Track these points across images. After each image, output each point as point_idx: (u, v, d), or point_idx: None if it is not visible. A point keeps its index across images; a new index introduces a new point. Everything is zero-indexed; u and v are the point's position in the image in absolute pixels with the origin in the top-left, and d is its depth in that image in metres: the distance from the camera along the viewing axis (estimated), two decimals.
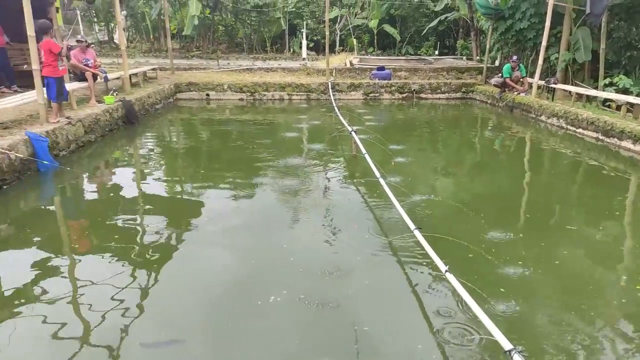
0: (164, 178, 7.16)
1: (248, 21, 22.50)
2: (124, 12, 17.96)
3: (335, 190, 6.53)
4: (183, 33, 21.04)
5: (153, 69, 14.25)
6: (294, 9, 22.19)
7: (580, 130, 9.93)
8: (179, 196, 6.43)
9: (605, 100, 10.69)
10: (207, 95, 14.10)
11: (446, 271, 3.43)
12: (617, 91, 10.38)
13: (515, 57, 12.74)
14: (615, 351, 3.20)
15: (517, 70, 12.73)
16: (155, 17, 21.80)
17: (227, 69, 16.49)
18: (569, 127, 10.32)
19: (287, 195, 6.15)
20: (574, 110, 10.34)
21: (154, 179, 7.06)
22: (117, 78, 11.43)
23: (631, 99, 9.52)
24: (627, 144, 8.57)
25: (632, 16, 11.29)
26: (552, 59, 12.68)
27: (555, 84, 11.99)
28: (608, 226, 5.37)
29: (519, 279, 4.08)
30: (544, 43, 11.71)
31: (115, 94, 10.09)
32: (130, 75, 11.67)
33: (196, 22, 19.73)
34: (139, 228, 5.24)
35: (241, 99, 14.16)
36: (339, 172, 7.44)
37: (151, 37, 23.58)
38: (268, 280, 4.10)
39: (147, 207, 5.96)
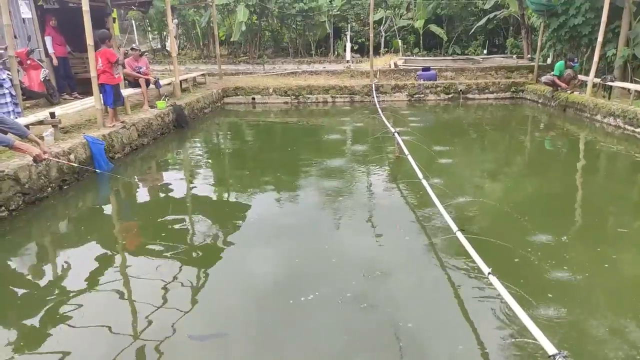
0: (212, 180, 7.41)
1: (293, 26, 22.81)
2: (176, 21, 18.76)
3: (378, 191, 6.52)
4: (231, 39, 21.63)
5: (202, 75, 14.75)
6: (338, 12, 22.27)
7: (639, 130, 9.37)
8: (226, 197, 6.64)
9: None
10: (253, 99, 14.41)
11: (489, 274, 3.36)
12: None
13: (575, 59, 12.16)
14: None
15: (571, 68, 12.16)
16: (204, 25, 22.54)
17: (272, 73, 16.79)
18: (626, 126, 9.76)
19: (331, 197, 6.20)
20: (632, 109, 9.76)
21: (202, 181, 7.32)
22: (169, 84, 11.92)
23: None
24: None
25: None
26: (609, 55, 12.04)
27: (613, 81, 11.36)
28: None
29: (566, 284, 3.92)
30: (600, 39, 11.13)
31: (166, 99, 10.53)
32: (180, 81, 12.14)
33: (244, 28, 20.24)
34: (187, 228, 5.45)
35: (286, 102, 14.38)
36: (381, 173, 7.41)
37: (201, 44, 24.39)
38: (310, 280, 4.16)
39: (195, 208, 6.19)
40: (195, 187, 7.04)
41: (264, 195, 6.52)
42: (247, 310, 3.75)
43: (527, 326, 2.74)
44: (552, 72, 12.48)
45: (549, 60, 15.35)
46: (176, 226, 5.44)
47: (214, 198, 6.51)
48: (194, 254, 4.74)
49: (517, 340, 3.16)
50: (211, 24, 20.11)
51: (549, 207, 5.94)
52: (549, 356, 2.43)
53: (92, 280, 4.21)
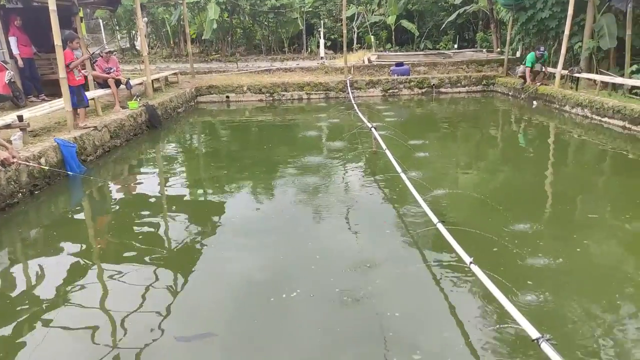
0: (188, 180, 7.30)
1: (266, 23, 22.65)
2: (145, 19, 18.36)
3: (357, 186, 6.54)
4: (202, 37, 21.33)
5: (174, 74, 14.50)
6: (310, 9, 22.24)
7: (606, 119, 9.69)
8: (203, 197, 6.55)
9: (633, 87, 10.39)
10: (227, 97, 14.27)
11: (471, 263, 3.42)
12: None
13: (542, 48, 12.43)
14: None
15: (542, 59, 12.44)
16: (175, 23, 22.15)
17: (246, 71, 16.66)
18: (594, 116, 10.08)
19: (310, 193, 6.19)
20: (599, 99, 10.09)
21: (177, 181, 7.21)
22: (140, 84, 11.68)
23: None
24: None
25: None
26: (575, 47, 12.39)
27: (579, 73, 11.71)
28: (635, 215, 5.23)
29: (545, 270, 4.02)
30: (566, 32, 11.46)
31: (138, 99, 10.31)
32: (152, 81, 11.91)
33: (215, 26, 19.98)
34: (164, 230, 5.36)
35: (261, 100, 14.29)
36: (360, 168, 7.45)
37: (171, 42, 23.96)
38: (294, 277, 4.15)
39: (172, 209, 6.09)
40: (171, 188, 6.92)
41: (242, 193, 6.46)
42: (233, 309, 3.72)
43: (510, 312, 2.81)
44: (525, 64, 12.72)
45: (518, 54, 15.69)
46: (153, 228, 5.34)
47: (191, 198, 6.42)
48: (173, 256, 4.66)
49: (500, 326, 3.23)
50: (182, 22, 19.78)
51: (524, 196, 6.09)
52: (532, 340, 2.49)
53: (68, 288, 4.09)
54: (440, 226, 4.15)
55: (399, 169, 5.90)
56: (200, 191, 6.78)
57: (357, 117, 10.04)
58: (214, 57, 21.56)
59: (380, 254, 4.54)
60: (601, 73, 11.52)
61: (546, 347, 2.37)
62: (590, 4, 11.58)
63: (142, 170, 8.04)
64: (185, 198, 6.42)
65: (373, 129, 7.81)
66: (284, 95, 14.38)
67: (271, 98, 14.34)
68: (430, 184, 6.21)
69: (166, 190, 6.88)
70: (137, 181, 7.37)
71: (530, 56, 12.47)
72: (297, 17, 21.53)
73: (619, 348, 3.05)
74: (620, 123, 9.24)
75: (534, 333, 2.51)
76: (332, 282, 3.99)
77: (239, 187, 6.72)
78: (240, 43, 24.03)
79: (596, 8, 11.59)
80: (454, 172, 7.22)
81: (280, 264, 4.40)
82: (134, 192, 6.80)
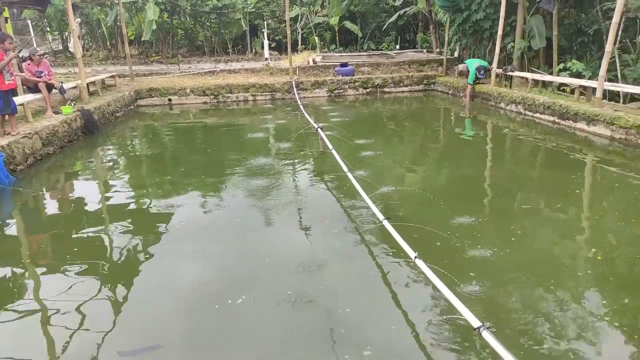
0: (130, 187, 7.01)
1: (208, 23, 22.23)
2: (78, 20, 17.48)
3: (305, 187, 6.55)
4: (142, 39, 20.60)
5: (111, 77, 13.89)
6: (254, 10, 22.05)
7: (537, 114, 10.28)
8: (147, 205, 6.30)
9: (560, 84, 11.09)
10: (170, 100, 13.86)
11: (415, 257, 3.50)
12: (571, 75, 10.78)
13: (482, 72, 12.63)
14: (581, 320, 3.33)
15: (483, 76, 12.80)
16: (111, 24, 21.25)
17: (188, 73, 16.25)
18: (527, 112, 10.66)
19: (258, 196, 6.13)
20: (530, 96, 10.68)
21: (119, 189, 6.89)
22: (74, 87, 11.10)
23: (583, 82, 9.93)
24: (581, 125, 8.93)
25: (580, 3, 11.75)
26: (508, 47, 13.05)
27: (513, 71, 12.35)
28: (568, 203, 5.58)
29: (485, 261, 4.20)
30: (499, 32, 12.05)
31: (72, 104, 9.80)
32: (87, 84, 11.35)
33: (154, 26, 19.36)
34: (105, 241, 5.11)
35: (205, 102, 13.99)
36: (307, 169, 7.46)
37: (108, 44, 22.98)
38: (243, 282, 4.08)
39: (114, 219, 5.81)
40: (111, 196, 6.62)
41: (188, 199, 6.29)
42: (179, 319, 3.60)
43: (453, 303, 2.90)
44: (467, 67, 13.05)
45: (456, 54, 16.31)
46: (93, 240, 5.08)
47: (134, 207, 6.16)
48: (116, 268, 4.45)
49: (445, 317, 3.33)
50: (118, 23, 19.02)
51: (464, 191, 6.34)
52: (474, 329, 2.59)
53: (4, 304, 3.81)
54: (386, 223, 4.23)
55: (345, 169, 5.96)
56: (143, 198, 6.52)
57: (304, 118, 10.06)
58: (155, 59, 20.90)
59: (329, 253, 4.56)
60: (532, 71, 12.21)
61: (487, 335, 2.47)
62: (520, 6, 12.23)
63: (79, 178, 7.63)
64: (127, 206, 6.16)
65: (319, 130, 7.85)
66: (228, 97, 14.16)
67: (216, 100, 14.08)
68: (376, 182, 6.32)
69: (106, 198, 6.57)
70: (74, 191, 6.99)
71: (471, 69, 12.74)
72: (240, 18, 21.28)
73: (555, 332, 3.23)
74: (550, 118, 9.82)
75: (475, 322, 2.61)
76: (281, 284, 3.96)
77: (184, 193, 6.53)
78: (182, 44, 23.45)
79: (526, 10, 12.27)
80: (399, 170, 7.39)
81: (229, 270, 4.31)
82: (71, 202, 6.44)
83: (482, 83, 12.97)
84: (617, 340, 3.14)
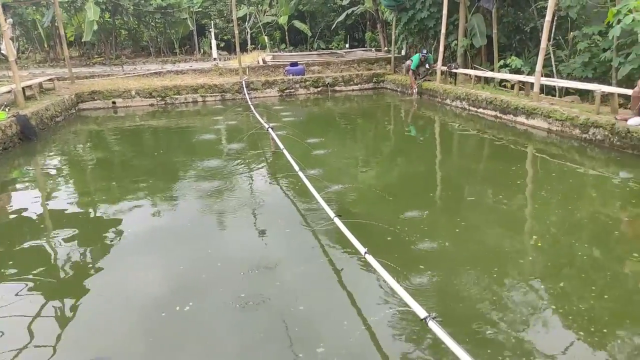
0: (74, 196, 6.69)
1: (152, 23, 21.58)
2: (10, 21, 16.44)
3: (258, 187, 6.50)
4: (83, 39, 19.70)
5: (49, 80, 13.20)
6: (200, 9, 21.60)
7: (480, 110, 10.69)
8: (93, 213, 6.04)
9: (501, 80, 11.59)
10: (114, 103, 13.35)
11: (366, 253, 3.56)
12: (511, 71, 11.29)
13: (424, 51, 13.21)
14: (523, 306, 3.50)
15: (426, 62, 13.23)
16: (48, 25, 20.17)
17: (133, 75, 15.71)
18: (471, 108, 11.07)
19: (210, 199, 6.02)
20: (474, 92, 11.10)
21: (62, 198, 6.56)
22: (8, 92, 10.47)
23: (521, 77, 10.42)
24: (521, 119, 9.37)
25: (518, 2, 12.32)
26: (452, 45, 13.50)
27: (457, 68, 12.78)
28: (510, 194, 5.85)
29: (434, 253, 4.33)
30: (443, 31, 12.43)
31: (6, 109, 9.25)
32: (23, 88, 10.73)
33: (95, 27, 18.56)
34: (50, 252, 4.86)
35: (152, 105, 13.58)
36: (260, 169, 7.40)
37: (45, 45, 21.84)
38: (196, 287, 4.00)
39: (58, 228, 5.52)
40: (54, 206, 6.29)
41: (137, 205, 6.08)
42: (130, 330, 3.48)
43: (401, 295, 2.98)
44: (410, 65, 13.43)
45: (403, 52, 16.69)
46: (35, 253, 4.81)
47: (79, 216, 5.88)
48: (61, 281, 4.25)
49: (395, 309, 3.41)
50: (56, 24, 18.10)
51: (413, 186, 6.51)
52: (421, 319, 2.67)
53: None
54: (337, 220, 4.27)
55: (297, 168, 5.97)
56: (89, 206, 6.23)
57: (255, 118, 9.98)
58: (97, 61, 20.05)
59: (282, 253, 4.55)
60: (475, 68, 12.69)
61: (433, 325, 2.55)
62: (461, 5, 12.68)
63: (16, 188, 7.19)
64: (72, 216, 5.86)
65: (270, 130, 7.81)
66: (177, 98, 13.82)
67: (163, 102, 13.70)
68: (328, 180, 6.37)
69: (49, 209, 6.24)
70: (12, 202, 6.59)
71: (415, 58, 13.16)
72: (186, 18, 20.79)
73: (499, 318, 3.38)
74: (493, 113, 10.25)
75: (422, 313, 2.68)
76: (234, 287, 3.92)
77: (133, 199, 6.31)
78: (125, 45, 22.67)
79: (467, 9, 12.73)
80: (350, 167, 7.48)
81: (180, 276, 4.21)
82: (8, 214, 6.06)
83: (428, 80, 13.35)
84: (556, 324, 3.32)
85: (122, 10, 20.14)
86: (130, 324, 3.54)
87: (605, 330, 3.17)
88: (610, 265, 4.08)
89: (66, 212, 5.98)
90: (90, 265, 4.48)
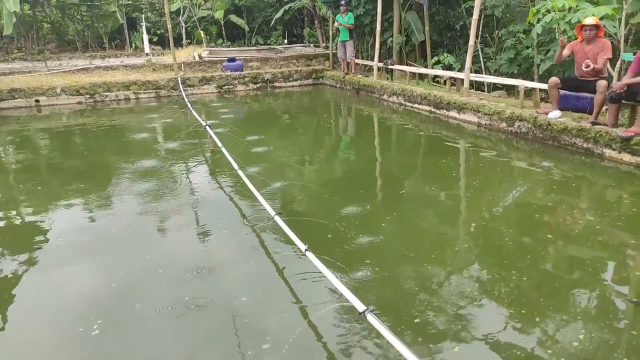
0: None
1: (78, 16, 20.37)
2: None
3: (197, 188, 6.34)
4: (2, 33, 18.23)
5: None
6: (130, 2, 20.68)
7: (416, 105, 11.06)
8: (16, 221, 5.62)
9: (434, 76, 12.05)
10: (37, 101, 12.49)
11: (306, 250, 3.59)
12: (443, 68, 11.75)
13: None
14: (460, 294, 3.67)
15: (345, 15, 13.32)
16: None
17: (59, 71, 14.77)
18: (407, 103, 11.42)
19: (147, 200, 5.79)
20: (409, 87, 11.45)
21: None
22: None
23: (452, 74, 10.88)
24: (453, 113, 9.80)
25: (447, 0, 12.83)
26: (388, 42, 13.83)
27: (392, 65, 13.13)
28: (445, 186, 6.11)
29: (373, 247, 4.43)
30: (378, 28, 12.70)
31: None
32: None
33: (14, 19, 17.22)
34: None
35: (79, 102, 12.85)
36: (198, 169, 7.23)
37: None
38: (136, 293, 3.84)
39: None
40: None
41: (66, 210, 5.74)
42: (62, 343, 3.29)
43: (340, 289, 3.04)
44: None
45: None
46: None
47: (1, 224, 5.47)
48: None
49: (335, 304, 3.47)
50: None
51: (352, 182, 6.62)
52: (360, 313, 2.74)
53: None
54: (277, 218, 4.27)
55: (236, 166, 5.89)
56: (11, 214, 5.78)
57: (192, 116, 9.72)
58: (17, 56, 18.67)
59: (224, 253, 4.49)
60: (410, 65, 13.09)
61: (371, 318, 2.62)
62: (395, 3, 13.01)
63: None
64: None
65: (208, 127, 7.64)
66: (107, 95, 13.17)
67: (92, 100, 13.01)
68: (268, 178, 6.34)
69: None
70: None
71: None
72: (115, 11, 19.81)
73: (438, 307, 3.52)
74: (427, 108, 10.63)
75: (360, 306, 2.75)
76: (176, 291, 3.80)
77: (62, 203, 5.95)
78: (49, 39, 21.25)
79: (400, 6, 13.08)
80: (290, 165, 7.48)
81: (119, 282, 4.01)
82: None
83: (366, 76, 13.61)
84: (491, 307, 3.51)
85: (43, 1, 18.85)
86: (61, 338, 3.35)
87: (535, 308, 3.39)
88: (534, 248, 4.37)
89: None
90: (14, 278, 4.17)
